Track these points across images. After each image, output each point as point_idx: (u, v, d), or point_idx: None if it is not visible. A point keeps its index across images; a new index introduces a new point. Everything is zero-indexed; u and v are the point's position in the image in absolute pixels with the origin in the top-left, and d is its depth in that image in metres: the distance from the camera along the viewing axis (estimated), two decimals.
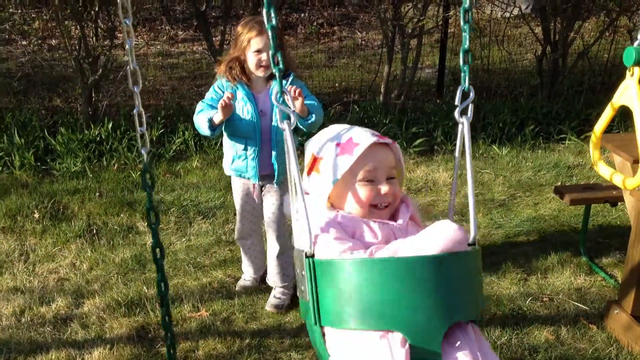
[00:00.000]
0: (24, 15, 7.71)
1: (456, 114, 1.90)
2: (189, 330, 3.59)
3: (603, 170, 2.91)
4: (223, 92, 3.39)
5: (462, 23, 1.88)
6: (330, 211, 1.89)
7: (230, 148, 3.56)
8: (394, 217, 1.96)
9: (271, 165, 3.47)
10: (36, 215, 4.84)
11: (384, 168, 1.91)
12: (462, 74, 1.90)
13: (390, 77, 6.92)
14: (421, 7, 6.70)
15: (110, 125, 6.09)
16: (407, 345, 1.59)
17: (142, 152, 2.07)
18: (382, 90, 6.90)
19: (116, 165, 5.77)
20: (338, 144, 1.88)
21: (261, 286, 3.98)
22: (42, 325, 3.63)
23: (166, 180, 5.56)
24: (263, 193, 3.62)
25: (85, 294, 3.94)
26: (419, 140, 6.22)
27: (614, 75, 7.18)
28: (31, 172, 5.62)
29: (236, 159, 3.54)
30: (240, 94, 3.40)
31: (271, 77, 3.42)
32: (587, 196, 4.27)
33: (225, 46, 6.85)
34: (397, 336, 1.60)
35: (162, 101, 7.35)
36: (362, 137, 1.88)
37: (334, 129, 1.97)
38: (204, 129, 3.36)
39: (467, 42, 1.85)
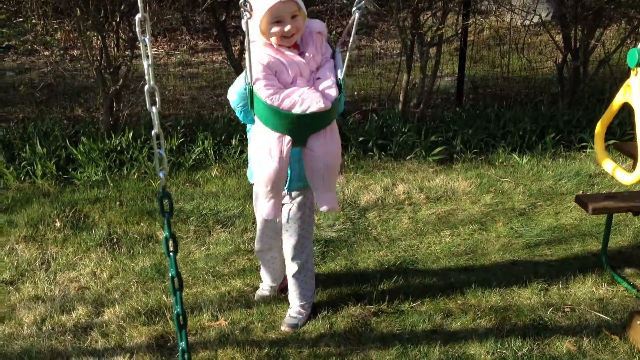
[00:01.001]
0: (47, 26, 7.80)
1: (354, 9, 2.85)
2: (207, 339, 3.60)
3: (606, 164, 2.93)
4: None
5: None
6: (265, 46, 2.96)
7: (253, 158, 3.54)
8: (303, 46, 3.01)
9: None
10: (57, 224, 4.89)
11: (287, 13, 2.87)
12: None
13: (409, 86, 6.91)
14: (440, 15, 6.69)
15: (130, 135, 6.14)
16: (290, 141, 2.97)
17: (161, 175, 2.02)
18: (401, 98, 6.88)
19: (136, 174, 5.81)
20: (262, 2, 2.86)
21: (280, 295, 3.98)
22: (62, 334, 3.66)
23: (185, 189, 5.59)
24: (283, 207, 3.59)
25: (105, 302, 3.96)
26: (438, 149, 6.20)
27: None
28: (53, 181, 5.68)
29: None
30: None
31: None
32: (609, 205, 4.22)
33: (244, 56, 6.88)
34: (286, 137, 2.96)
35: (182, 110, 7.40)
36: None
37: None
38: (238, 83, 3.28)
39: None
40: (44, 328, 3.72)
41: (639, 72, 2.66)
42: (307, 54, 2.99)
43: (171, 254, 2.03)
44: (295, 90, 2.92)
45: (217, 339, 3.60)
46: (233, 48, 6.96)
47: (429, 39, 6.76)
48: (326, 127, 3.02)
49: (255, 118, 3.04)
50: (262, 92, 2.88)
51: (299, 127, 2.94)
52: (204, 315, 3.81)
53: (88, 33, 6.42)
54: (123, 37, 6.57)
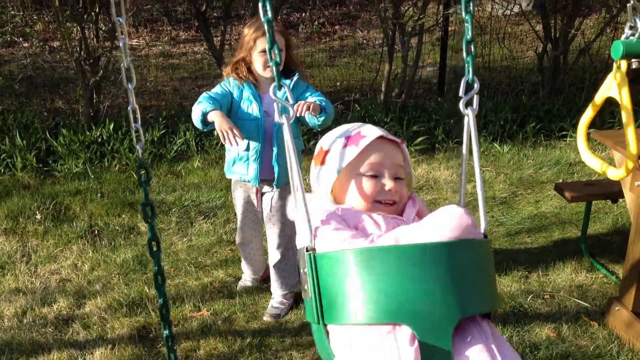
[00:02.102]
0: (26, 17, 7.73)
1: (461, 105, 1.79)
2: (190, 329, 3.60)
3: (591, 161, 2.93)
4: (229, 89, 3.40)
5: (463, 13, 1.79)
6: (333, 205, 1.77)
7: (232, 149, 3.52)
8: (399, 213, 1.83)
9: (272, 168, 3.44)
10: (38, 217, 4.86)
11: (390, 164, 1.81)
12: (466, 65, 1.78)
13: (391, 76, 6.92)
14: (421, 5, 6.70)
15: (111, 127, 6.11)
16: (417, 343, 1.44)
17: (137, 147, 2.05)
18: (383, 89, 6.89)
19: (117, 166, 5.78)
20: (346, 137, 1.82)
21: (262, 286, 3.99)
22: (43, 326, 3.64)
23: (167, 180, 5.57)
24: (264, 198, 3.60)
25: (86, 294, 3.95)
26: (420, 139, 6.22)
27: None
28: (33, 173, 5.63)
29: (237, 160, 3.51)
30: (247, 93, 3.38)
31: None
32: (588, 193, 4.27)
33: (226, 46, 6.86)
34: (405, 332, 1.46)
35: (164, 102, 7.37)
36: (371, 130, 1.83)
37: (346, 126, 1.91)
38: (195, 119, 3.33)
39: (470, 33, 1.76)
40: (25, 320, 3.70)
41: (622, 64, 2.63)
42: (406, 215, 1.81)
43: (149, 220, 2.07)
44: (394, 229, 1.66)
45: (200, 329, 3.60)
46: (214, 39, 6.93)
47: (410, 29, 6.77)
48: (483, 321, 1.60)
49: (333, 336, 1.61)
50: (332, 237, 1.62)
51: (430, 288, 1.49)
52: (186, 306, 3.80)
53: (67, 24, 6.37)
54: (103, 28, 6.53)
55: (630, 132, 2.53)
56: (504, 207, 5.08)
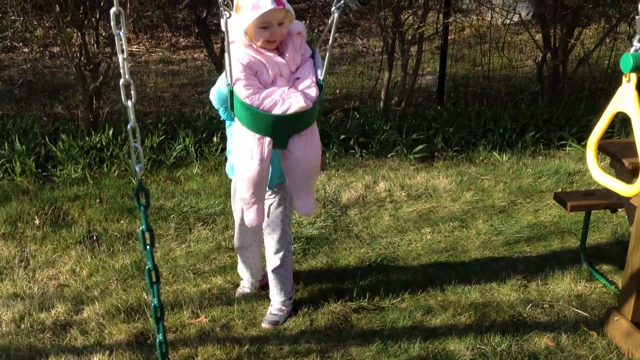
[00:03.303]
0: (26, 22, 7.73)
1: (333, 8, 2.86)
2: (188, 336, 3.59)
3: (601, 178, 2.90)
4: None
5: None
6: (246, 47, 2.96)
7: (231, 152, 3.54)
8: (283, 47, 3.03)
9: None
10: (36, 222, 4.85)
11: (275, 20, 2.89)
12: None
13: (390, 84, 6.93)
14: (421, 14, 6.72)
15: (111, 132, 6.11)
16: (271, 143, 2.97)
17: (136, 169, 1.99)
18: (383, 96, 6.90)
19: (117, 171, 5.78)
20: (252, 4, 2.88)
21: (260, 293, 3.98)
22: (41, 332, 3.63)
23: (166, 186, 5.57)
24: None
25: (84, 300, 3.94)
26: (419, 147, 6.23)
27: (615, 81, 7.18)
28: (32, 178, 5.63)
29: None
30: None
31: None
32: (587, 202, 4.27)
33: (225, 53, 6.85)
34: (266, 138, 2.95)
35: (163, 108, 7.37)
36: (265, 3, 2.86)
37: None
38: (218, 85, 3.27)
39: None
40: (23, 326, 3.69)
41: (632, 78, 2.60)
42: (287, 55, 3.00)
43: (148, 247, 2.00)
44: (276, 90, 2.92)
45: (198, 336, 3.59)
46: (214, 45, 6.94)
47: (410, 37, 6.79)
48: (307, 129, 3.02)
49: (235, 120, 3.02)
50: (242, 92, 2.88)
51: (280, 128, 2.94)
52: (185, 312, 3.79)
53: (67, 30, 6.38)
54: (103, 33, 6.54)
55: None
56: (503, 216, 5.08)
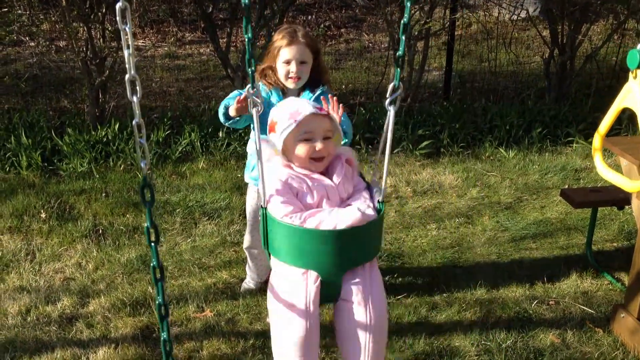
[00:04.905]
0: (32, 16, 7.74)
1: (386, 104, 2.29)
2: (193, 330, 3.60)
3: (607, 174, 2.89)
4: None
5: (400, 34, 2.17)
6: (284, 167, 2.48)
7: (254, 154, 3.49)
8: (330, 172, 2.52)
9: None
10: (43, 215, 4.86)
11: (320, 131, 2.46)
12: (396, 73, 2.23)
13: None
14: (428, 9, 6.70)
15: (116, 126, 6.11)
16: (319, 281, 2.33)
17: (142, 165, 1.95)
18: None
19: (122, 166, 5.78)
20: (289, 113, 2.48)
21: (265, 287, 3.96)
22: (47, 325, 3.64)
23: (172, 181, 5.57)
24: None
25: (90, 293, 3.94)
26: (425, 143, 6.21)
27: (622, 78, 7.07)
28: (38, 172, 5.64)
29: (256, 166, 3.49)
30: (274, 99, 3.33)
31: (303, 88, 3.39)
32: (594, 199, 4.25)
33: (231, 48, 6.86)
34: (312, 274, 2.33)
35: (169, 102, 7.37)
36: (304, 108, 2.46)
37: (289, 101, 2.62)
38: (220, 113, 3.31)
39: (403, 47, 2.18)
40: (29, 318, 3.70)
41: (638, 74, 2.59)
42: (335, 178, 2.48)
43: (152, 244, 1.99)
44: (322, 210, 2.38)
45: (203, 330, 3.59)
46: (220, 40, 6.93)
47: (416, 33, 6.77)
48: (365, 265, 2.41)
49: (272, 260, 2.49)
50: (280, 210, 2.34)
51: (329, 253, 2.31)
52: (190, 306, 3.80)
53: (74, 24, 6.38)
54: (109, 28, 6.53)
55: None
56: (509, 213, 5.07)
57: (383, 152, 2.38)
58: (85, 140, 5.95)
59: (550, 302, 3.88)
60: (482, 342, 3.49)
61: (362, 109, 6.84)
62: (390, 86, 2.24)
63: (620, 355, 3.39)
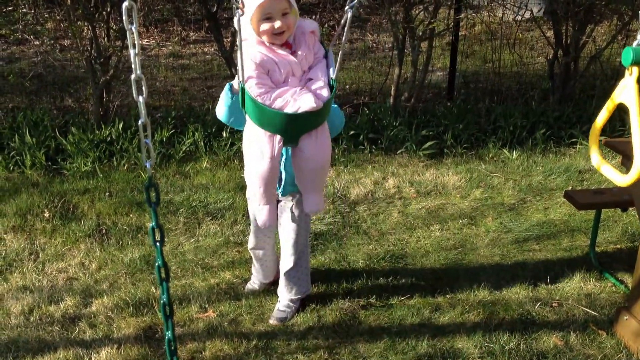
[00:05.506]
0: (37, 15, 7.75)
1: (346, 8, 2.82)
2: (195, 331, 3.60)
3: (601, 167, 2.91)
4: None
5: None
6: (258, 43, 2.92)
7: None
8: (297, 46, 2.96)
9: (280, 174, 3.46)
10: (46, 215, 4.87)
11: (277, 10, 2.84)
12: None
13: (400, 80, 6.90)
14: (432, 9, 6.69)
15: (120, 126, 6.12)
16: (282, 141, 2.95)
17: (147, 165, 1.96)
18: (393, 92, 6.88)
19: (126, 165, 5.79)
20: None
21: (269, 288, 3.98)
22: (50, 324, 3.64)
23: (175, 181, 5.57)
24: (279, 206, 3.59)
25: (93, 293, 3.95)
26: (428, 143, 6.21)
27: None
28: (42, 171, 5.65)
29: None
30: None
31: None
32: (598, 201, 4.25)
33: (235, 47, 6.85)
34: (277, 136, 2.94)
35: (173, 102, 7.37)
36: None
37: None
38: (222, 95, 3.25)
39: None
40: (32, 318, 3.71)
41: (634, 71, 2.63)
42: (299, 53, 2.95)
43: (157, 244, 1.99)
44: (288, 89, 2.90)
45: (206, 330, 3.60)
46: (224, 40, 6.94)
47: (420, 33, 6.76)
48: (317, 128, 3.00)
49: (247, 117, 3.00)
50: (254, 90, 2.85)
51: (290, 127, 2.92)
52: (193, 307, 3.80)
53: (78, 23, 6.39)
54: (114, 27, 6.53)
55: (638, 139, 2.51)
56: (512, 214, 5.06)
57: (339, 37, 3.06)
58: (89, 139, 5.95)
59: (554, 304, 3.87)
60: (485, 344, 3.49)
61: (365, 109, 6.83)
62: None
63: (624, 358, 3.39)
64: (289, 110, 2.85)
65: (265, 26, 2.86)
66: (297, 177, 3.20)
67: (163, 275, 2.02)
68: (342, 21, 2.91)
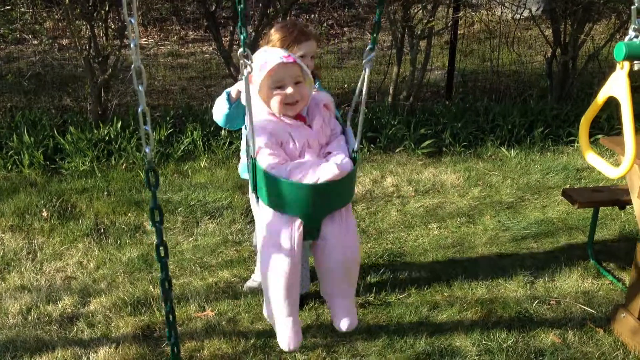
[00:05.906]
0: (35, 14, 7.75)
1: (363, 62, 2.50)
2: (194, 329, 3.60)
3: (591, 158, 2.92)
4: None
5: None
6: (269, 114, 2.58)
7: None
8: (310, 118, 2.64)
9: None
10: (44, 214, 4.87)
11: (289, 78, 2.55)
12: (372, 38, 2.45)
13: (399, 79, 6.91)
14: (431, 8, 6.69)
15: (119, 125, 6.12)
16: (302, 226, 2.48)
17: (146, 150, 2.01)
18: (391, 91, 6.88)
19: (124, 164, 5.79)
20: (260, 65, 2.56)
21: None
22: (48, 324, 3.64)
23: (174, 180, 5.57)
24: None
25: (91, 292, 3.95)
26: (427, 142, 6.21)
27: None
28: (40, 170, 5.65)
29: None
30: None
31: None
32: (596, 199, 4.25)
33: (234, 46, 6.86)
34: (296, 220, 2.47)
35: (172, 101, 7.38)
36: (272, 58, 2.56)
37: (259, 53, 2.65)
38: (218, 105, 3.26)
39: (378, 16, 2.37)
40: (30, 318, 3.71)
41: (625, 65, 2.65)
42: (315, 126, 2.62)
43: (157, 224, 2.07)
44: (305, 162, 2.51)
45: (204, 329, 3.60)
46: (223, 39, 6.94)
47: (419, 32, 6.76)
48: (341, 210, 2.58)
49: (260, 204, 2.60)
50: (267, 160, 2.47)
51: (311, 204, 2.48)
52: (191, 306, 3.80)
53: (77, 22, 6.39)
54: (112, 26, 6.54)
55: (629, 132, 2.53)
56: (510, 212, 5.06)
57: (356, 111, 2.69)
58: (87, 138, 5.95)
59: (551, 302, 3.88)
60: (483, 342, 3.49)
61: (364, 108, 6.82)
62: (367, 50, 2.50)
63: (621, 355, 3.39)
64: (307, 181, 2.44)
65: (276, 95, 2.56)
66: (322, 281, 2.71)
67: (162, 254, 2.10)
68: (361, 77, 2.60)
